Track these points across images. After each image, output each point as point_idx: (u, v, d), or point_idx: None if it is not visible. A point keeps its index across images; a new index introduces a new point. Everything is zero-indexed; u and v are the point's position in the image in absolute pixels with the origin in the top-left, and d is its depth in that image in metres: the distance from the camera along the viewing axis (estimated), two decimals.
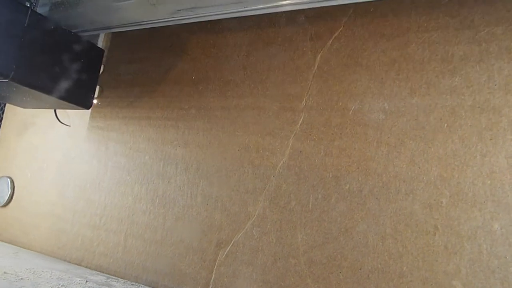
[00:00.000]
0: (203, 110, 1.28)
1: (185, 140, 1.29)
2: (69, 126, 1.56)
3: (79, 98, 1.28)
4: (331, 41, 1.12)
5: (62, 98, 1.23)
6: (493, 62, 0.92)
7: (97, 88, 1.50)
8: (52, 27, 1.18)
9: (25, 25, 1.11)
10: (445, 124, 0.94)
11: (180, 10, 1.04)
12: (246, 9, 0.96)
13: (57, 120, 1.53)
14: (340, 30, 1.12)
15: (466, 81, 0.93)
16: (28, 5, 1.17)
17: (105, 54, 1.52)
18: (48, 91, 1.19)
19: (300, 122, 1.11)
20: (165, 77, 1.39)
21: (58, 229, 1.47)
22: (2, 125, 1.82)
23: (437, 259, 0.88)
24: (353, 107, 1.05)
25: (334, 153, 1.04)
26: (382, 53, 1.04)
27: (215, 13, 1.01)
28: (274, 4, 0.94)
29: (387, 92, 1.01)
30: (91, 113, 1.52)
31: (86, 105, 1.30)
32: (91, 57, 1.31)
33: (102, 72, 1.52)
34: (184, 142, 1.29)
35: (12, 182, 1.67)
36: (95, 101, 1.50)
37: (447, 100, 0.94)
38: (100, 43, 1.38)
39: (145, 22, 1.13)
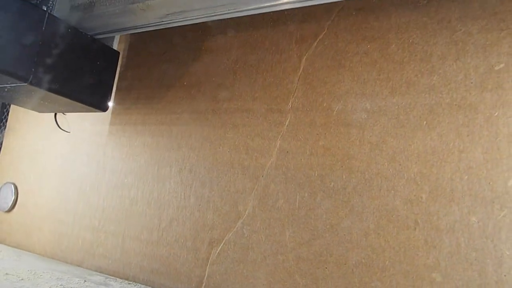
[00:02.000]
0: (195, 114, 1.32)
1: (178, 143, 1.33)
2: (69, 132, 1.61)
3: (96, 101, 1.29)
4: (315, 44, 1.16)
5: (80, 100, 1.24)
6: (469, 60, 0.94)
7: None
8: (69, 30, 1.20)
9: (43, 28, 1.12)
10: (424, 122, 0.96)
11: (168, 14, 1.08)
12: (230, 11, 1.00)
13: (57, 127, 1.59)
14: (324, 33, 1.15)
15: (444, 79, 0.96)
16: (45, 9, 1.20)
17: None
18: (66, 94, 1.20)
19: (286, 123, 1.14)
20: (159, 83, 1.44)
21: (60, 232, 1.52)
22: (5, 134, 1.88)
23: (417, 253, 0.91)
24: (337, 108, 1.08)
25: (319, 152, 1.08)
26: (364, 54, 1.08)
27: (202, 15, 1.05)
28: (258, 6, 0.98)
29: (369, 92, 1.05)
30: (89, 119, 1.57)
31: (103, 107, 1.32)
32: (107, 59, 1.32)
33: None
34: (178, 145, 1.33)
35: (15, 188, 1.72)
36: (111, 104, 1.52)
37: (426, 98, 0.97)
38: (115, 45, 1.40)
39: (134, 27, 1.17)
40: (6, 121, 1.91)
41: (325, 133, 1.08)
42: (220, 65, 1.31)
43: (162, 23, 1.12)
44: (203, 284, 1.16)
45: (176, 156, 1.32)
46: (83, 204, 1.49)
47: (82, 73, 1.23)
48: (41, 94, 1.15)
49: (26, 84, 1.07)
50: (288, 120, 1.14)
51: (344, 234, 1.00)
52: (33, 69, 1.07)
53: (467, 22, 0.96)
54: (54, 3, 1.20)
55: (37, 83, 1.09)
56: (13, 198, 1.70)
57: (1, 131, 1.95)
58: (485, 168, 0.88)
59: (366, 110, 1.04)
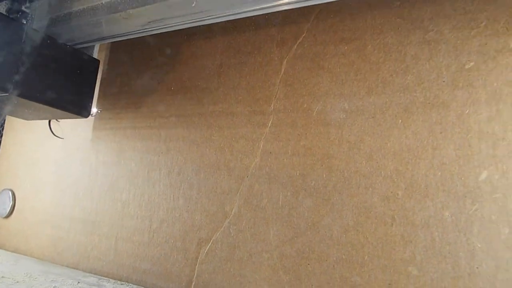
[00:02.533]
0: (182, 117, 1.35)
1: (167, 146, 1.36)
2: (63, 138, 1.65)
3: (77, 108, 1.34)
4: (295, 46, 1.18)
5: (61, 108, 1.28)
6: (441, 59, 0.97)
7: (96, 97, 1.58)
8: (48, 41, 1.24)
9: (23, 41, 1.17)
10: (400, 120, 0.99)
11: (150, 22, 1.12)
12: (207, 17, 1.04)
13: (52, 133, 1.63)
14: (303, 35, 1.18)
15: (418, 79, 0.99)
16: (24, 22, 1.24)
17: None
18: (47, 102, 1.24)
19: (269, 124, 1.17)
20: (148, 88, 1.47)
21: (56, 236, 1.56)
22: (2, 141, 1.92)
23: (394, 248, 0.94)
24: (317, 108, 1.11)
25: (300, 152, 1.11)
26: (342, 56, 1.11)
27: (181, 22, 1.09)
28: (235, 12, 1.01)
29: (347, 92, 1.07)
30: (81, 125, 1.61)
31: (85, 114, 1.36)
32: (87, 67, 1.37)
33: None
34: (166, 149, 1.36)
35: (13, 194, 1.77)
36: (95, 110, 1.57)
37: (400, 97, 1.00)
38: (96, 53, 1.44)
39: (119, 35, 1.21)
40: (3, 129, 1.95)
41: (305, 134, 1.11)
42: (205, 69, 1.34)
43: (145, 30, 1.15)
44: (193, 283, 1.20)
45: (165, 159, 1.36)
46: (77, 208, 1.53)
47: (62, 81, 1.28)
48: (23, 103, 1.20)
49: (7, 94, 1.12)
50: (270, 122, 1.17)
51: (325, 232, 1.03)
52: (13, 80, 1.12)
53: (439, 22, 0.99)
54: (33, 16, 1.24)
55: (18, 93, 1.13)
56: (10, 204, 1.75)
57: None
58: (457, 164, 0.91)
59: (344, 110, 1.07)
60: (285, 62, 1.19)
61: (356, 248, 0.98)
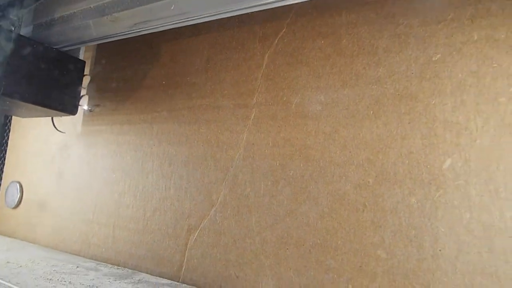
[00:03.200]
0: (173, 112, 1.42)
1: (159, 139, 1.43)
2: (64, 132, 1.73)
3: (65, 106, 1.44)
4: (276, 41, 1.23)
5: (50, 107, 1.40)
6: (410, 52, 1.01)
7: (87, 96, 1.67)
8: (35, 45, 1.34)
9: (11, 47, 1.27)
10: (371, 112, 1.04)
11: (136, 24, 1.18)
12: (187, 19, 1.10)
13: (54, 128, 1.71)
14: (283, 31, 1.22)
15: (389, 71, 1.03)
16: (12, 29, 1.34)
17: (92, 65, 1.69)
18: (36, 102, 1.36)
19: (252, 117, 1.23)
20: (141, 83, 1.54)
21: (59, 225, 1.66)
22: (10, 136, 2.03)
23: (365, 233, 0.99)
24: (295, 101, 1.16)
25: (280, 143, 1.16)
26: (319, 50, 1.15)
27: (164, 24, 1.15)
28: (212, 12, 1.07)
29: (323, 85, 1.12)
30: (81, 120, 1.69)
31: (72, 111, 1.47)
32: (73, 68, 1.47)
33: (90, 82, 1.69)
34: (158, 141, 1.43)
35: (20, 186, 1.87)
36: (85, 107, 1.67)
37: (372, 89, 1.04)
38: (82, 55, 1.53)
39: (109, 36, 1.28)
40: (10, 125, 2.05)
41: (285, 125, 1.16)
42: (194, 65, 1.40)
43: (132, 31, 1.22)
44: (183, 268, 1.28)
45: (157, 151, 1.43)
46: (78, 199, 1.62)
47: (50, 82, 1.39)
48: (15, 103, 1.30)
49: None
50: (253, 115, 1.23)
51: (302, 218, 1.09)
52: (3, 83, 1.22)
53: (409, 16, 1.03)
54: (20, 23, 1.33)
55: (8, 95, 1.24)
56: (18, 195, 1.85)
57: (6, 134, 2.10)
58: (424, 152, 0.95)
59: (320, 103, 1.12)
60: (266, 57, 1.24)
61: (331, 233, 1.04)
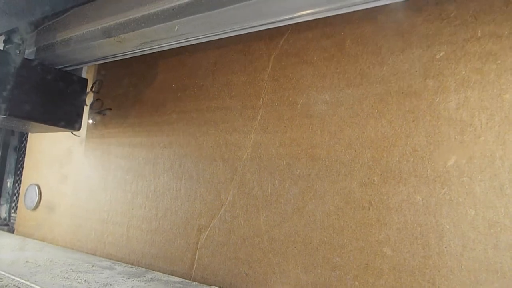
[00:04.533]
0: (182, 114, 1.45)
1: (169, 141, 1.47)
2: (79, 136, 1.79)
3: (68, 123, 1.51)
4: (282, 42, 1.25)
5: (54, 124, 1.47)
6: (414, 50, 1.01)
7: (88, 110, 1.73)
8: (39, 67, 1.42)
9: (16, 70, 1.35)
10: (376, 110, 1.05)
11: (142, 43, 1.24)
12: (190, 39, 1.15)
13: (70, 132, 1.77)
14: (288, 32, 1.24)
15: (392, 69, 1.04)
16: (18, 52, 1.40)
17: (101, 70, 1.74)
18: (41, 120, 1.43)
19: (258, 118, 1.25)
20: (151, 87, 1.58)
21: (76, 225, 1.71)
22: (28, 141, 2.10)
23: (371, 230, 1.00)
24: (301, 101, 1.17)
25: (286, 143, 1.18)
26: (323, 50, 1.16)
27: (169, 43, 1.21)
28: (213, 33, 1.11)
29: (328, 85, 1.13)
30: (95, 124, 1.74)
31: (76, 127, 1.54)
32: (76, 86, 1.54)
33: (95, 100, 1.75)
34: (169, 143, 1.47)
35: (39, 188, 1.93)
36: (90, 121, 1.73)
37: (377, 88, 1.05)
38: (84, 73, 1.60)
39: (116, 55, 1.33)
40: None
41: (291, 125, 1.18)
42: (201, 68, 1.43)
43: (139, 50, 1.28)
44: (194, 266, 1.31)
45: (168, 152, 1.46)
46: (93, 200, 1.67)
47: (54, 101, 1.46)
48: (21, 122, 1.39)
49: (5, 116, 1.30)
50: (260, 115, 1.25)
51: (309, 216, 1.10)
52: (10, 104, 1.30)
53: (412, 14, 1.03)
54: (24, 46, 1.41)
55: (15, 115, 1.32)
56: (37, 197, 1.92)
57: (25, 139, 2.17)
58: (428, 150, 0.96)
59: (326, 102, 1.13)
60: (272, 58, 1.26)
61: (337, 231, 1.05)
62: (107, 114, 1.71)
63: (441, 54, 0.97)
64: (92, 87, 1.71)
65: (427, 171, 0.95)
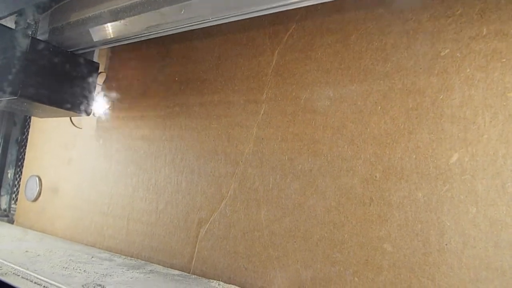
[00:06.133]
0: (185, 107, 1.45)
1: (171, 134, 1.47)
2: (81, 128, 1.79)
3: (79, 107, 1.49)
4: (286, 38, 1.25)
5: (65, 108, 1.45)
6: (419, 47, 1.01)
7: (103, 96, 1.72)
8: (51, 49, 1.40)
9: (27, 50, 1.33)
10: (379, 107, 1.04)
11: (148, 27, 1.23)
12: (196, 22, 1.14)
13: (72, 124, 1.77)
14: (293, 27, 1.24)
15: (397, 66, 1.04)
16: (30, 33, 1.40)
17: (107, 66, 1.74)
18: (52, 103, 1.41)
19: (261, 112, 1.25)
20: (155, 80, 1.58)
21: (76, 217, 1.71)
22: (30, 132, 2.10)
23: (371, 226, 1.00)
24: (304, 96, 1.17)
25: (289, 138, 1.18)
26: (327, 46, 1.16)
27: (175, 27, 1.20)
28: (219, 16, 1.10)
29: (332, 81, 1.13)
30: (97, 116, 1.74)
31: (87, 111, 1.52)
32: (88, 70, 1.52)
33: (104, 81, 1.74)
34: (171, 136, 1.47)
35: (39, 180, 1.94)
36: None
37: (380, 84, 1.05)
38: (96, 57, 1.59)
39: (123, 38, 1.32)
40: (30, 121, 2.13)
41: (294, 120, 1.18)
42: (205, 62, 1.42)
43: (144, 34, 1.27)
44: (194, 259, 1.31)
45: (170, 146, 1.46)
46: (94, 191, 1.67)
47: (65, 85, 1.44)
48: (31, 105, 1.38)
49: (16, 97, 1.29)
50: (263, 110, 1.25)
51: (310, 212, 1.10)
52: (20, 85, 1.29)
53: (417, 11, 1.03)
54: (37, 28, 1.40)
55: (26, 96, 1.30)
56: (38, 189, 1.92)
57: (26, 130, 2.17)
58: (431, 147, 0.96)
59: (329, 98, 1.13)
60: (276, 53, 1.26)
61: (337, 227, 1.05)
62: (110, 107, 1.71)
63: (446, 51, 0.97)
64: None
65: (429, 168, 0.95)
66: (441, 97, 0.96)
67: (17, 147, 2.23)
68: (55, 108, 1.42)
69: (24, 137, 2.22)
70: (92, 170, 1.71)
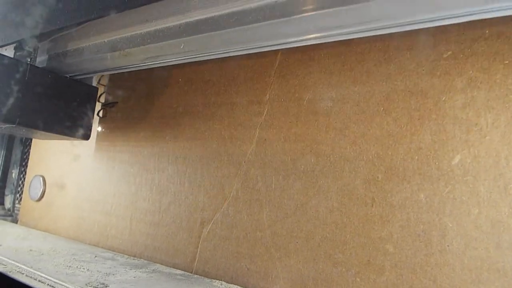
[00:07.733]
0: (188, 107, 1.46)
1: (174, 134, 1.48)
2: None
3: (77, 132, 1.50)
4: None
5: (62, 134, 1.47)
6: (421, 49, 1.01)
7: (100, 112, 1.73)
8: (49, 76, 1.42)
9: (26, 78, 1.35)
10: (382, 108, 1.05)
11: (147, 58, 1.26)
12: (195, 55, 1.17)
13: None
14: None
15: (399, 68, 1.04)
16: (28, 61, 1.41)
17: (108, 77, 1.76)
18: (49, 129, 1.42)
19: (264, 113, 1.26)
20: (159, 80, 1.59)
21: (79, 217, 1.72)
22: None
23: (373, 227, 1.01)
24: (307, 97, 1.18)
25: (291, 139, 1.18)
26: (330, 47, 1.17)
27: (174, 59, 1.22)
28: (218, 51, 1.12)
29: (334, 82, 1.14)
30: (101, 117, 1.75)
31: (86, 136, 1.53)
32: (86, 95, 1.53)
33: (106, 91, 1.75)
34: (174, 137, 1.48)
35: (44, 180, 1.95)
36: (99, 129, 1.74)
37: (383, 86, 1.06)
38: (94, 82, 1.61)
39: (122, 67, 1.35)
40: None
41: (296, 121, 1.18)
42: (208, 62, 1.43)
43: (144, 64, 1.29)
44: (196, 259, 1.31)
45: (173, 146, 1.47)
46: (97, 191, 1.68)
47: (63, 110, 1.45)
48: (30, 131, 1.39)
49: (14, 125, 1.30)
50: (265, 111, 1.26)
51: (312, 212, 1.11)
52: (19, 113, 1.30)
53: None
54: (36, 54, 1.43)
55: (24, 124, 1.32)
56: (42, 188, 1.93)
57: None
58: (433, 148, 0.96)
59: (332, 99, 1.13)
60: (279, 54, 1.26)
61: (340, 227, 1.06)
62: (114, 107, 1.72)
63: (449, 53, 0.97)
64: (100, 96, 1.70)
65: (432, 169, 0.95)
66: (443, 98, 0.96)
67: (22, 147, 2.25)
68: (53, 134, 1.44)
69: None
70: (96, 170, 1.72)
